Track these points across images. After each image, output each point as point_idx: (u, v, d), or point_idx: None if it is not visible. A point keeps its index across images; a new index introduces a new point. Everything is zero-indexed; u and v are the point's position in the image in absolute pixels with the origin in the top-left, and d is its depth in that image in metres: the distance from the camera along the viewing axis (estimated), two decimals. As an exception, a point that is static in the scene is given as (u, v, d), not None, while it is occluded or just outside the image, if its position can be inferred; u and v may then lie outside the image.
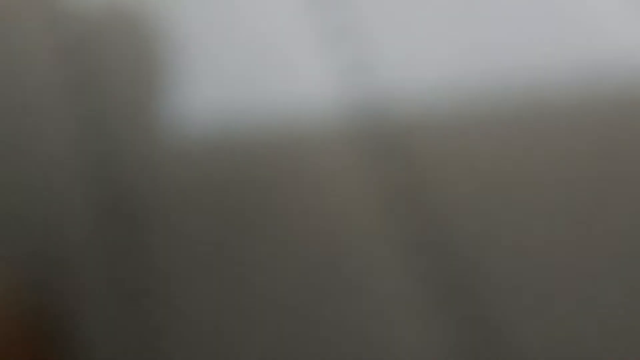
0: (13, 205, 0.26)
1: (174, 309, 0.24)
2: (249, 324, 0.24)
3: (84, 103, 0.27)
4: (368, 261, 0.25)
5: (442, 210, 0.25)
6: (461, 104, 0.26)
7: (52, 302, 0.25)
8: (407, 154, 0.26)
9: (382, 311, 0.24)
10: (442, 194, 0.25)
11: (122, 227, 0.26)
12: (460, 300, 0.24)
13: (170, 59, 0.28)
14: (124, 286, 0.25)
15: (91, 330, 0.24)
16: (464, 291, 0.24)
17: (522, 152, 0.25)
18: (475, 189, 0.25)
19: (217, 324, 0.24)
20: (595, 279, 0.24)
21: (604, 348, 0.23)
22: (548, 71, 0.26)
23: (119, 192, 0.26)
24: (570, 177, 0.25)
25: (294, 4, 0.28)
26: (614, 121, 0.25)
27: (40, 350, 0.23)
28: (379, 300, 0.24)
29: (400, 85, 0.26)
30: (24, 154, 0.27)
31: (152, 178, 0.26)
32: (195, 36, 0.28)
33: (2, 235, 0.25)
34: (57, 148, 0.27)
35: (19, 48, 0.28)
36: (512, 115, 0.26)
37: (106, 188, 0.26)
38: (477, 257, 0.24)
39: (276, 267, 0.25)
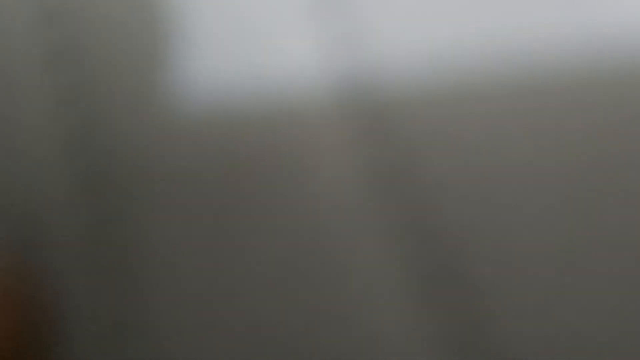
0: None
1: (157, 280, 0.24)
2: (233, 297, 0.24)
3: (67, 70, 0.27)
4: (354, 239, 0.24)
5: (428, 190, 0.25)
6: (451, 81, 0.25)
7: (36, 273, 0.25)
8: (394, 130, 0.25)
9: (367, 292, 0.24)
10: (429, 171, 0.25)
11: (107, 194, 0.25)
12: (446, 283, 0.24)
13: (161, 31, 0.27)
14: (108, 255, 0.25)
15: (75, 300, 0.24)
16: (449, 274, 0.24)
17: (513, 133, 0.25)
18: (463, 168, 0.25)
19: (201, 296, 0.24)
20: (586, 265, 0.24)
21: (591, 330, 0.23)
22: (541, 49, 0.26)
23: (104, 160, 0.26)
24: (564, 159, 0.25)
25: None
26: (613, 103, 0.25)
27: (24, 321, 0.23)
28: (364, 281, 0.24)
29: (389, 60, 0.26)
30: (6, 121, 0.26)
31: (138, 147, 0.26)
32: (186, 9, 0.27)
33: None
34: (40, 115, 0.26)
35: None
36: (504, 93, 0.25)
37: (91, 155, 0.26)
38: (463, 240, 0.24)
39: (263, 243, 0.25)
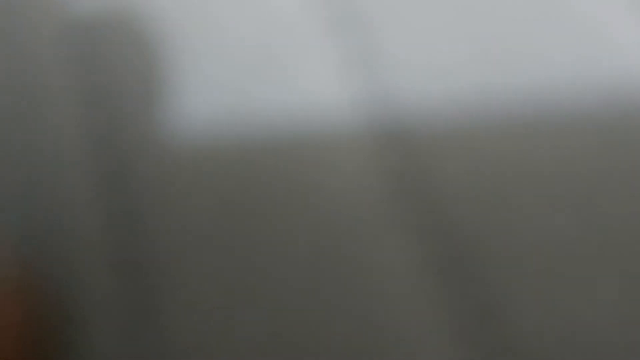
0: (15, 177, 0.26)
1: (173, 284, 0.24)
2: (249, 298, 0.24)
3: (88, 81, 0.27)
4: (370, 243, 0.25)
5: (444, 197, 0.25)
6: (465, 104, 0.26)
7: (50, 274, 0.25)
8: (410, 144, 0.26)
9: (383, 291, 0.24)
10: (443, 181, 0.25)
11: (121, 199, 0.25)
12: (461, 282, 0.24)
13: (170, 62, 0.28)
14: (123, 261, 0.25)
15: (89, 305, 0.24)
16: (464, 273, 0.24)
17: (522, 149, 0.26)
18: (477, 177, 0.25)
19: (217, 300, 0.24)
20: (593, 264, 0.24)
21: (600, 328, 0.23)
22: (552, 79, 0.26)
23: (120, 167, 0.26)
24: (571, 170, 0.25)
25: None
26: (616, 128, 0.26)
27: (35, 322, 0.23)
28: (380, 279, 0.24)
29: (403, 81, 0.27)
30: (29, 131, 0.27)
31: (154, 157, 0.26)
32: (196, 37, 0.28)
33: (2, 206, 0.25)
34: (60, 123, 0.27)
35: (21, 38, 0.28)
36: (512, 118, 0.26)
37: (108, 163, 0.26)
38: (477, 240, 0.24)
39: (278, 251, 0.25)
